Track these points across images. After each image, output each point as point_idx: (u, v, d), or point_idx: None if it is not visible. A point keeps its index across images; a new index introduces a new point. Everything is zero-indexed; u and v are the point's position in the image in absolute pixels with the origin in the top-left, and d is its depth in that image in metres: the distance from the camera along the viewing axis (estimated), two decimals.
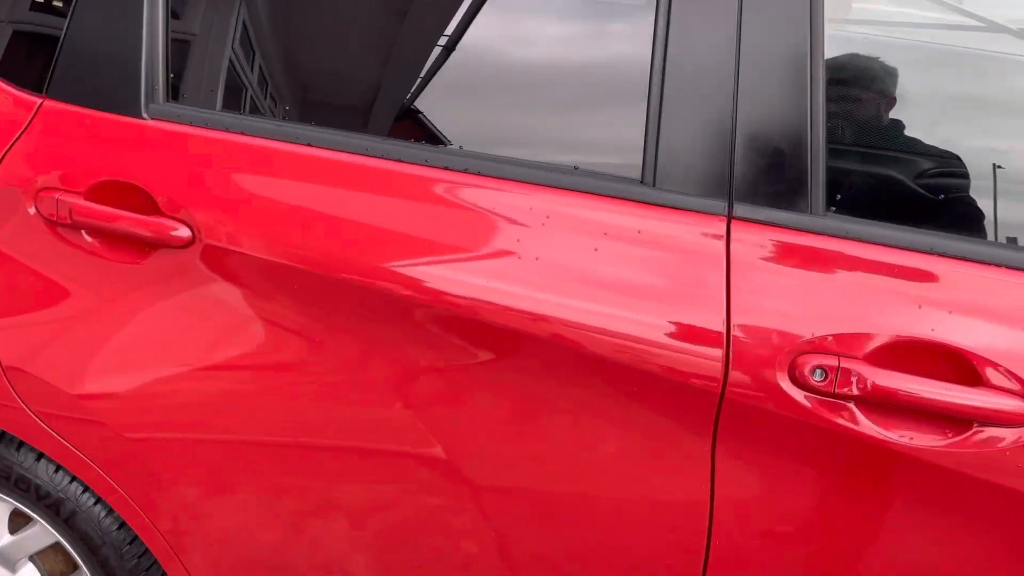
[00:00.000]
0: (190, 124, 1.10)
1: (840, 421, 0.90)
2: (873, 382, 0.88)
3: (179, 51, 1.18)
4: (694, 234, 0.95)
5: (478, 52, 1.14)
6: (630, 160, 0.99)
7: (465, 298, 0.98)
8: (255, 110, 1.17)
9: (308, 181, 1.05)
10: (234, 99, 1.18)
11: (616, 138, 1.06)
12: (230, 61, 1.18)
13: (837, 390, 0.89)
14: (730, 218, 0.95)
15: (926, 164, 1.11)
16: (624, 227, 0.96)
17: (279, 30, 1.22)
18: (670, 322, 0.94)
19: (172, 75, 1.15)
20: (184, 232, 1.07)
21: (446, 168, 1.03)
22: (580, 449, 1.01)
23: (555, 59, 1.12)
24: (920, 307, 0.89)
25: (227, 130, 1.09)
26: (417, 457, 1.06)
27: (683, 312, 0.94)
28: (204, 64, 1.21)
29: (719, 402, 0.93)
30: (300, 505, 1.15)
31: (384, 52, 1.23)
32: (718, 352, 0.92)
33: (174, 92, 1.15)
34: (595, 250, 0.97)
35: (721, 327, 0.92)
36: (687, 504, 0.98)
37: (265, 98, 1.20)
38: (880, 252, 0.92)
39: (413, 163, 1.04)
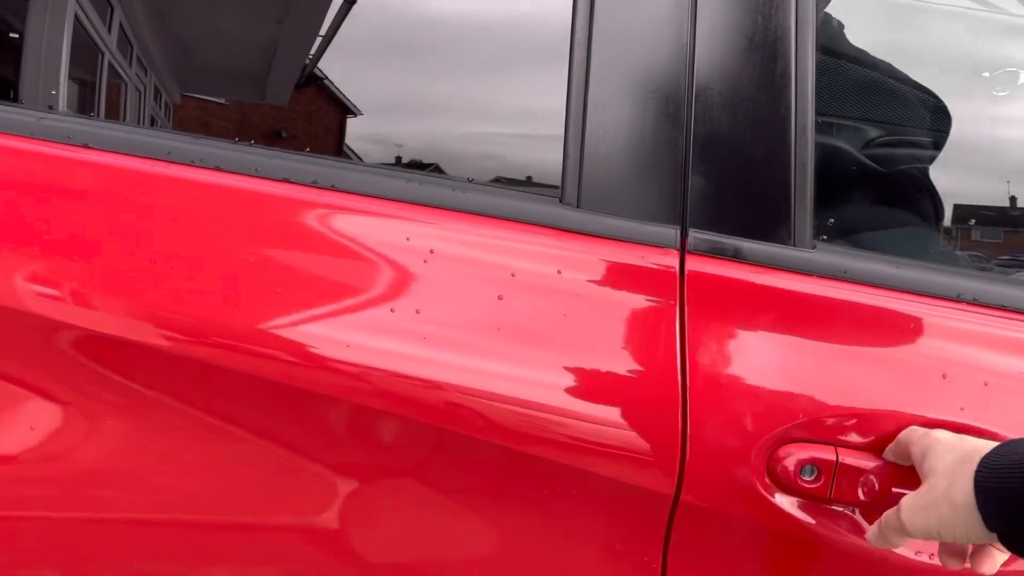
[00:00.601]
0: None
1: (839, 536, 0.66)
2: (881, 481, 0.65)
3: None
4: (635, 274, 0.68)
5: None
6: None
7: (297, 359, 0.68)
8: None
9: (81, 198, 0.72)
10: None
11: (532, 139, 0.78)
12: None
13: (834, 494, 0.65)
14: (684, 252, 0.69)
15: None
16: (538, 268, 0.69)
17: None
18: (602, 400, 0.67)
19: None
20: None
21: (287, 181, 0.72)
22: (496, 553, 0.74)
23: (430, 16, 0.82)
24: (945, 377, 0.66)
25: None
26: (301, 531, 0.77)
27: (620, 386, 0.67)
28: None
29: (672, 508, 0.68)
30: None
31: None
32: (672, 441, 0.66)
33: None
34: (499, 299, 0.69)
35: (675, 406, 0.66)
36: None
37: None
38: (888, 298, 0.68)
39: (238, 173, 0.73)
